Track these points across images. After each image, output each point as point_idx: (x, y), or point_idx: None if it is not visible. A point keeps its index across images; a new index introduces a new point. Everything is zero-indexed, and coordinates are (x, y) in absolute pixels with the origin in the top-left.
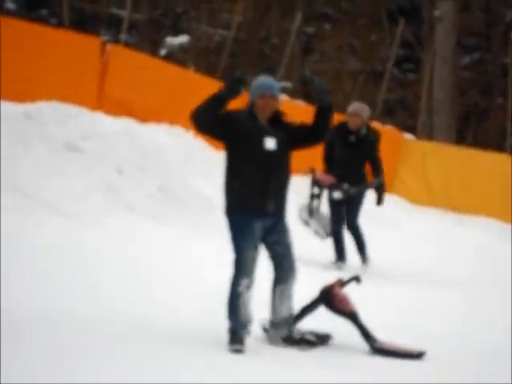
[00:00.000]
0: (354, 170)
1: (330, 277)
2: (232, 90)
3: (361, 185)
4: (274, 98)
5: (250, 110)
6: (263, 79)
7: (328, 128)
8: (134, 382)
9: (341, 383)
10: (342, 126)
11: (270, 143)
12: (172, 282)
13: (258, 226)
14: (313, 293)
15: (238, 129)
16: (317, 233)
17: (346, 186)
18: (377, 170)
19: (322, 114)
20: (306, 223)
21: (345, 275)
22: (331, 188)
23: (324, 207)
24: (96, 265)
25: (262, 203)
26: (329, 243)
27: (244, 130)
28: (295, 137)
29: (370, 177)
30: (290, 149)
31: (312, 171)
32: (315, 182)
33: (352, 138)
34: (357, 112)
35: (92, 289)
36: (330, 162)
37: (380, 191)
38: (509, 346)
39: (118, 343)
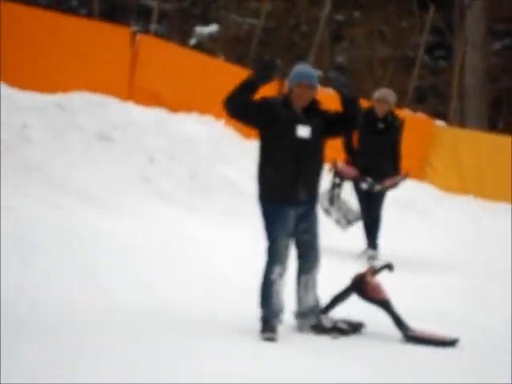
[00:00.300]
0: (381, 158)
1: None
2: (262, 75)
3: (386, 178)
4: (312, 87)
5: (286, 98)
6: (302, 67)
7: (359, 114)
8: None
9: (372, 372)
10: (370, 113)
11: (304, 131)
12: (204, 269)
13: (291, 214)
14: (345, 281)
15: (272, 116)
16: (338, 222)
17: (369, 179)
18: (396, 164)
19: (348, 105)
20: (327, 212)
21: (378, 263)
22: (357, 181)
23: (345, 196)
24: (129, 253)
25: (294, 191)
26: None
27: (278, 118)
28: (330, 124)
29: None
30: (325, 137)
31: (334, 164)
32: (337, 173)
33: (381, 125)
34: (384, 98)
35: (127, 276)
36: (352, 152)
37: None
38: None
39: (164, 332)
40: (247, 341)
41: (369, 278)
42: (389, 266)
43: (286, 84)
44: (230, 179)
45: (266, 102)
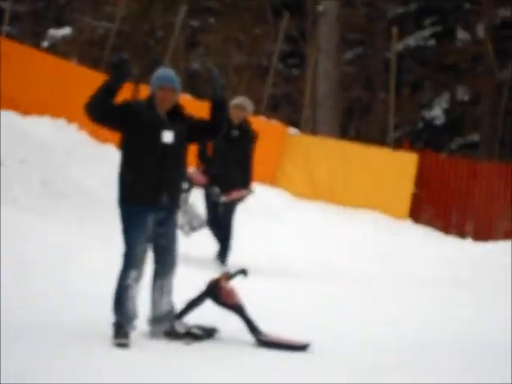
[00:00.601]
0: (232, 167)
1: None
2: (116, 76)
3: (235, 188)
4: (174, 90)
5: (149, 101)
6: (164, 71)
7: (225, 121)
8: None
9: (224, 375)
10: None
11: (168, 136)
12: (54, 278)
13: (150, 219)
14: (197, 288)
15: (135, 120)
16: (181, 227)
17: (216, 190)
18: (246, 176)
19: (217, 109)
20: None
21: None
22: (205, 189)
23: (194, 202)
24: None
25: (155, 195)
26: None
27: (142, 122)
28: (194, 130)
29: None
30: (188, 142)
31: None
32: (186, 179)
33: (235, 133)
34: (241, 105)
35: None
36: (204, 160)
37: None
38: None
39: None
40: (99, 346)
41: (223, 283)
42: (243, 272)
43: (149, 88)
44: (83, 185)
45: (128, 105)
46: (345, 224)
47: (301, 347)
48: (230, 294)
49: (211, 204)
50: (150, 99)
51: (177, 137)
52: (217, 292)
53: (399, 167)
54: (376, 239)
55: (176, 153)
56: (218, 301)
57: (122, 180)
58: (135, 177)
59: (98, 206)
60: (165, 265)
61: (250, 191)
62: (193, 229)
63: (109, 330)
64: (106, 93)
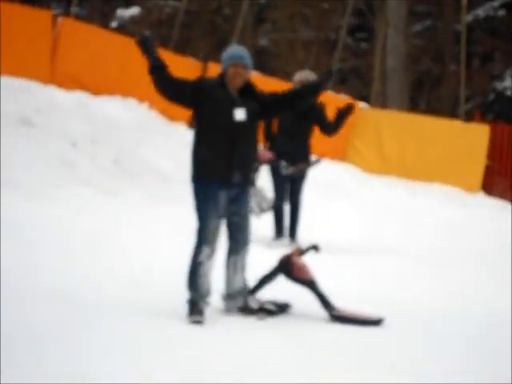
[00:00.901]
0: (301, 141)
1: (272, 254)
2: (146, 52)
3: (302, 162)
4: (246, 67)
5: (221, 79)
6: (235, 49)
7: (305, 101)
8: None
9: (300, 352)
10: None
11: (240, 114)
12: (127, 255)
13: (223, 196)
14: (256, 272)
15: (207, 98)
16: (251, 209)
17: (284, 163)
18: (336, 128)
19: (311, 90)
20: None
21: (284, 251)
22: (272, 164)
23: (262, 183)
24: (50, 239)
25: (227, 173)
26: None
27: (213, 99)
28: (266, 106)
29: (319, 148)
30: (260, 119)
31: None
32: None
33: (302, 108)
34: (307, 79)
35: (46, 263)
36: (270, 137)
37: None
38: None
39: (91, 316)
40: (173, 323)
41: (295, 259)
42: (315, 247)
43: (220, 66)
44: (154, 163)
45: (201, 83)
46: (416, 198)
47: (375, 322)
48: (302, 269)
49: (278, 180)
50: (222, 77)
51: (249, 114)
52: (289, 268)
53: (471, 139)
54: (449, 213)
55: (248, 130)
56: (290, 276)
57: (194, 157)
58: (207, 154)
59: (169, 185)
60: (238, 242)
61: (316, 160)
62: (262, 210)
63: (183, 307)
64: (154, 71)
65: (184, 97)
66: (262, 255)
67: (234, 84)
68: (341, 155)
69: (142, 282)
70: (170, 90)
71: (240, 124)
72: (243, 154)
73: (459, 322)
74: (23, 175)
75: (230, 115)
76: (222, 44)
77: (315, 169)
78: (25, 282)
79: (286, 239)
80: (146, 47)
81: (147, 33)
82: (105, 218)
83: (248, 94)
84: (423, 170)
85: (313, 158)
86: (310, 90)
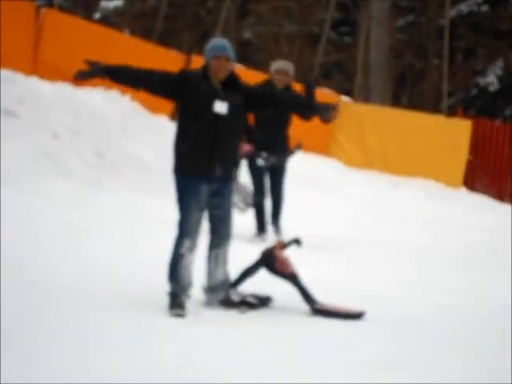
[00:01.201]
0: (278, 132)
1: (255, 250)
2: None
3: (282, 152)
4: (229, 59)
5: (204, 71)
6: (217, 41)
7: (292, 104)
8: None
9: (279, 344)
10: (268, 86)
11: (221, 107)
12: (110, 247)
13: (204, 189)
14: (238, 267)
15: (190, 90)
16: (236, 205)
17: (264, 154)
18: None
19: (305, 110)
20: None
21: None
22: (251, 157)
23: (244, 178)
24: (31, 232)
25: (209, 166)
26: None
27: (196, 92)
28: (250, 100)
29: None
30: (243, 112)
31: None
32: None
33: None
34: (284, 69)
35: (29, 255)
36: (247, 129)
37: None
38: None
39: (73, 308)
40: (156, 317)
41: (277, 253)
42: (297, 241)
43: (203, 58)
44: (137, 156)
45: (184, 74)
46: (398, 193)
47: (356, 315)
48: (284, 262)
49: (257, 174)
50: (205, 69)
51: (231, 107)
52: (271, 261)
53: (453, 135)
54: (430, 207)
55: (230, 124)
56: (272, 270)
57: (176, 150)
58: (189, 147)
59: (151, 176)
60: (220, 235)
61: (296, 147)
62: (248, 205)
63: (163, 298)
64: (114, 78)
65: (166, 89)
66: (243, 251)
67: (217, 76)
68: (323, 149)
69: (124, 274)
70: (142, 83)
71: (222, 117)
72: (225, 147)
73: (441, 317)
74: (5, 166)
75: (212, 108)
76: (205, 36)
77: (295, 157)
78: (9, 274)
79: (268, 235)
80: (89, 72)
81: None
82: (87, 209)
83: (232, 86)
84: (405, 164)
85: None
86: (300, 106)
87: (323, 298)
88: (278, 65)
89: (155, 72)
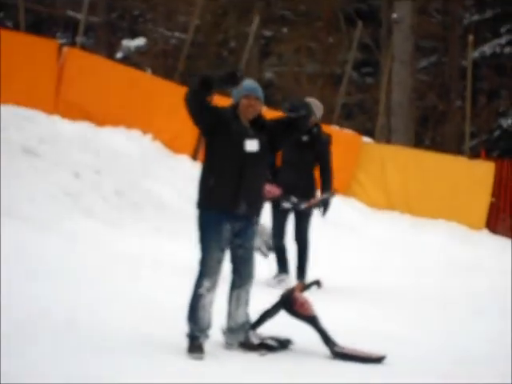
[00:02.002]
0: (304, 174)
1: (276, 291)
2: (224, 76)
3: (310, 195)
4: (258, 99)
5: (234, 110)
6: (249, 82)
7: (306, 121)
8: None
9: None
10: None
11: (251, 145)
12: (128, 288)
13: (227, 228)
14: (258, 308)
15: (222, 126)
16: (258, 249)
17: (293, 198)
18: (327, 175)
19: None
20: None
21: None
22: (278, 199)
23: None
24: (52, 270)
25: (234, 202)
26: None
27: (228, 129)
28: (275, 132)
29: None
30: (269, 150)
31: None
32: None
33: (305, 138)
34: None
35: (49, 294)
36: (273, 170)
37: (327, 203)
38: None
39: (87, 348)
40: (175, 359)
41: (297, 294)
42: (317, 283)
43: (233, 97)
44: (157, 195)
45: (218, 109)
46: (420, 235)
47: (376, 359)
48: (304, 304)
49: (279, 216)
50: (234, 108)
51: (260, 146)
52: (291, 303)
53: (476, 176)
54: (452, 250)
55: (257, 162)
56: (292, 312)
57: (202, 184)
58: (215, 182)
59: (171, 217)
60: (241, 276)
61: (330, 194)
62: (271, 249)
63: (183, 341)
64: (202, 85)
65: (205, 117)
66: (262, 294)
67: (247, 115)
68: (345, 189)
69: (141, 315)
70: (197, 106)
71: (250, 155)
72: (251, 185)
73: (464, 363)
74: (25, 205)
75: (242, 146)
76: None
77: (330, 206)
78: (27, 314)
79: (289, 276)
80: (231, 77)
81: (240, 72)
82: (106, 249)
83: (258, 126)
84: (427, 206)
85: (329, 187)
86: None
87: (343, 340)
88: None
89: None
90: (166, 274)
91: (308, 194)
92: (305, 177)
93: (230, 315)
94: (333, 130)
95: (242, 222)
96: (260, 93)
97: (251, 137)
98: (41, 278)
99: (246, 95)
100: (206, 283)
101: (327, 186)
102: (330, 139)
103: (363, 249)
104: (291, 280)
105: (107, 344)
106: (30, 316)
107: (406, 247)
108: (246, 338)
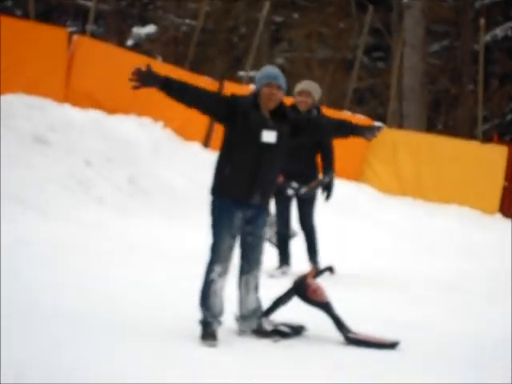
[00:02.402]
0: (305, 159)
1: (277, 283)
2: (151, 79)
3: (312, 181)
4: (280, 88)
5: (254, 99)
6: (270, 69)
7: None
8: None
9: (313, 374)
10: (291, 110)
11: (268, 136)
12: (140, 275)
13: (239, 216)
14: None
15: (239, 116)
16: (270, 240)
17: (294, 184)
18: (328, 160)
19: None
20: None
21: (290, 281)
22: (279, 187)
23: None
24: (64, 258)
25: (248, 192)
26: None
27: (246, 119)
28: (297, 129)
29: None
30: (289, 141)
31: None
32: None
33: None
34: (306, 90)
35: (60, 282)
36: None
37: (330, 187)
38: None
39: (102, 336)
40: (188, 346)
41: (310, 281)
42: (330, 269)
43: (253, 86)
44: (169, 183)
45: (235, 99)
46: (433, 219)
47: (390, 345)
48: (317, 291)
49: (282, 204)
50: (255, 97)
51: (278, 137)
52: (304, 289)
53: (488, 161)
54: (465, 234)
55: (274, 153)
56: (305, 298)
57: (217, 172)
58: (231, 171)
59: (182, 204)
60: (249, 261)
61: (329, 177)
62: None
63: (196, 327)
64: (169, 93)
65: (215, 111)
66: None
67: (267, 105)
68: (357, 175)
69: (155, 303)
70: (193, 105)
71: (268, 146)
72: (266, 175)
73: (474, 346)
74: (37, 194)
75: (258, 136)
76: (238, 63)
77: (333, 191)
78: (38, 302)
79: (290, 268)
80: (149, 75)
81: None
82: (118, 237)
83: (280, 115)
84: (440, 191)
85: (330, 170)
86: (343, 132)
87: (356, 326)
88: (299, 86)
89: (210, 92)
90: (179, 260)
91: (310, 179)
92: (306, 162)
93: (241, 301)
94: (345, 115)
95: (254, 210)
96: (282, 80)
97: (269, 128)
98: (52, 267)
99: (267, 83)
100: (218, 268)
101: (328, 170)
102: (331, 120)
103: (375, 234)
104: (291, 271)
105: (120, 332)
106: (40, 304)
107: (419, 233)
108: (258, 324)
